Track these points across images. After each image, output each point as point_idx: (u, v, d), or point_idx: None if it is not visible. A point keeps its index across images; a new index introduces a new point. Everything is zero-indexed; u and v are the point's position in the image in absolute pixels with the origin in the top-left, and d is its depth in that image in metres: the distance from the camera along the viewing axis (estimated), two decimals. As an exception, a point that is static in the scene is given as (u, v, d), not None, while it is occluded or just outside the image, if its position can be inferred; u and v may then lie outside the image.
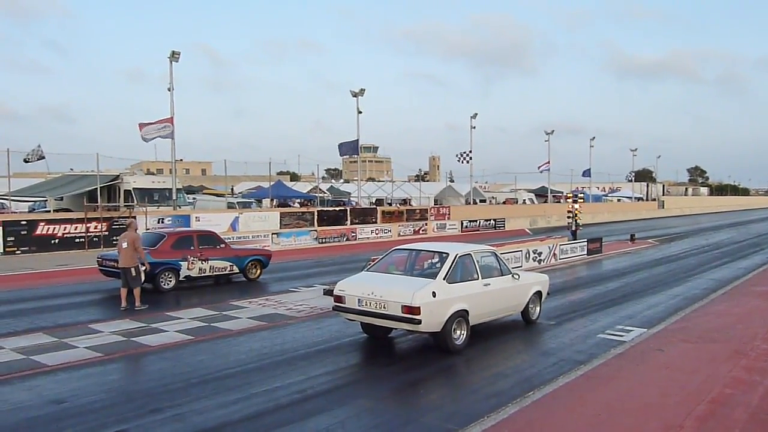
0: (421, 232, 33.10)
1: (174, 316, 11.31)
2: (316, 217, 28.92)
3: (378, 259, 9.90)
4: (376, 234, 30.62)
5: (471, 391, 7.16)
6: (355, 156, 35.31)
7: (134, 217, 20.50)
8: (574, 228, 24.13)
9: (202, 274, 14.62)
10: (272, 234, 25.67)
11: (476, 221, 37.20)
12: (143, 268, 12.18)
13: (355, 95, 32.68)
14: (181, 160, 65.13)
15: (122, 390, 7.12)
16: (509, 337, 9.83)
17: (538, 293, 10.53)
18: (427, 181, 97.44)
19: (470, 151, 41.72)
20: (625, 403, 6.52)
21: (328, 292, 13.46)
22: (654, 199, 72.85)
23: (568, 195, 28.20)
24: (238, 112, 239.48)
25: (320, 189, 41.53)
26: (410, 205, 41.78)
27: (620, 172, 78.12)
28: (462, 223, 35.83)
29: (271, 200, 35.19)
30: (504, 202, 54.57)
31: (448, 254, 8.68)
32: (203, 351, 8.86)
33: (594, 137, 56.12)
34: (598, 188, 72.26)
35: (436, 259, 8.90)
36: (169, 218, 23.84)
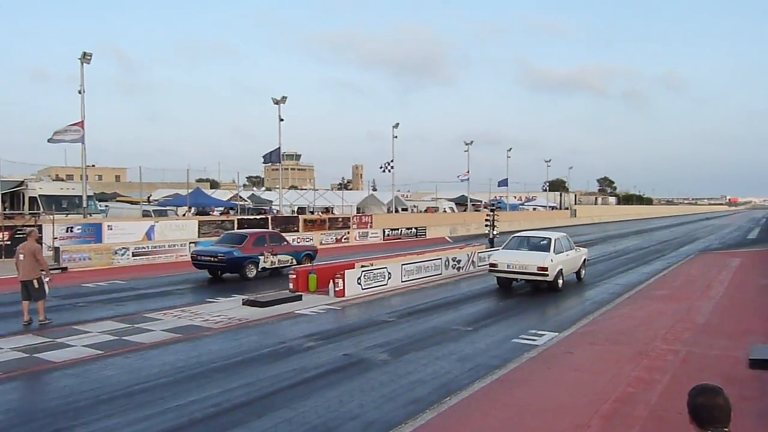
0: (343, 240, 33.08)
1: (82, 329, 10.78)
2: (236, 225, 28.33)
3: (513, 237, 16.92)
4: (298, 242, 30.33)
5: (390, 399, 7.19)
6: (278, 164, 34.88)
7: (37, 227, 19.35)
8: (491, 236, 24.76)
9: (273, 266, 18.03)
10: (190, 243, 24.91)
11: (398, 229, 37.56)
12: (46, 279, 11.52)
13: (276, 102, 32.33)
14: (93, 165, 62.22)
15: (22, 410, 6.69)
16: (428, 345, 9.95)
17: (584, 260, 17.97)
18: (350, 189, 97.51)
19: (392, 161, 42.14)
20: (537, 404, 6.74)
21: (249, 302, 13.27)
22: (567, 208, 75.94)
23: (485, 204, 28.96)
24: (153, 116, 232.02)
25: (241, 197, 40.74)
26: (333, 213, 41.67)
27: (536, 182, 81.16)
28: (384, 232, 36.08)
29: (189, 208, 34.20)
30: (425, 211, 55.36)
31: (551, 239, 15.75)
32: (113, 366, 8.47)
33: (511, 148, 57.96)
34: (515, 197, 74.61)
35: (545, 242, 15.67)
36: (79, 226, 22.69)
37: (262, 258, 17.88)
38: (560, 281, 15.64)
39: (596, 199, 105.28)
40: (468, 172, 48.65)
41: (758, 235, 45.28)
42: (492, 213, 25.25)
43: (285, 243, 19.13)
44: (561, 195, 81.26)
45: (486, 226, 25.38)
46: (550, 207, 73.17)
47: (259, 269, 17.87)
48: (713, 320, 11.85)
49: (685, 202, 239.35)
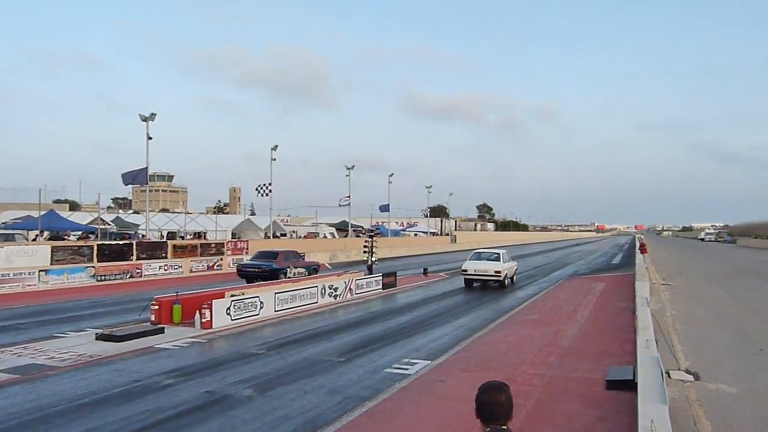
0: (215, 267, 32.02)
1: None
2: (95, 251, 26.55)
3: (474, 253, 24.40)
4: (166, 270, 28.97)
5: (252, 438, 6.91)
6: (146, 185, 33.26)
7: None
8: (370, 263, 24.96)
9: (295, 276, 22.76)
10: (39, 271, 23.02)
11: (275, 256, 36.89)
12: None
13: (144, 119, 30.92)
14: (-72, 184, 56.24)
15: None
16: (297, 378, 9.75)
17: (515, 269, 25.39)
18: (227, 213, 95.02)
19: (270, 183, 41.60)
20: (404, 437, 6.76)
21: (103, 337, 12.42)
22: (447, 234, 78.52)
23: (363, 230, 29.32)
24: (2, 129, 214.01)
25: (103, 220, 38.41)
26: (205, 238, 40.29)
27: (417, 208, 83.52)
28: (260, 258, 35.30)
29: (41, 232, 31.71)
30: (305, 237, 55.02)
31: (500, 253, 23.07)
32: (-70, 415, 7.53)
33: (392, 173, 59.10)
34: (396, 223, 76.17)
35: (496, 255, 22.78)
36: None
37: (289, 269, 23.67)
38: (506, 281, 23.66)
39: (476, 225, 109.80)
40: (349, 196, 49.04)
41: (621, 260, 49.12)
42: (371, 239, 25.51)
43: (302, 258, 25.89)
44: (442, 221, 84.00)
45: (365, 252, 25.57)
46: (431, 233, 75.30)
47: (287, 277, 22.84)
48: (577, 343, 12.60)
49: (558, 228, 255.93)
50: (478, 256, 24.67)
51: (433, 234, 77.09)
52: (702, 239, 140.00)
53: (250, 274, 23.85)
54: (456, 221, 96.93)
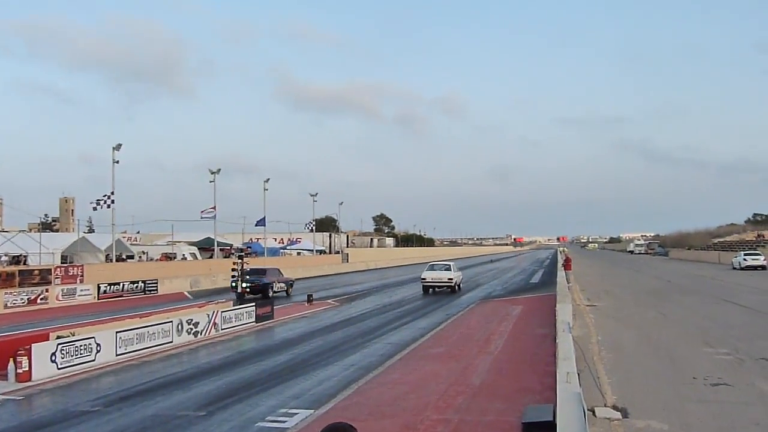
0: (39, 301, 30.32)
1: None
2: None
3: (429, 265, 38.08)
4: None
5: None
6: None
7: None
8: (240, 289, 24.55)
9: (278, 290, 32.26)
10: None
11: (119, 284, 35.47)
12: None
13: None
14: None
15: None
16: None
17: (461, 277, 37.78)
18: (56, 230, 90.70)
19: (112, 193, 40.03)
20: None
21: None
22: (338, 252, 78.80)
23: (232, 249, 28.81)
24: None
25: None
26: (26, 264, 38.20)
27: (300, 221, 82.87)
28: (99, 288, 33.81)
29: None
30: (158, 259, 53.33)
31: (450, 264, 36.68)
32: None
33: (269, 178, 58.66)
34: (275, 239, 75.57)
35: (448, 266, 35.94)
36: None
37: (274, 284, 33.18)
38: (457, 287, 35.20)
39: (372, 240, 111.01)
40: (214, 207, 48.05)
41: (541, 278, 51.14)
42: (241, 260, 25.10)
43: (281, 275, 35.85)
44: (331, 236, 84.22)
45: (233, 277, 25.11)
46: (317, 251, 75.30)
47: (273, 292, 32.87)
48: (490, 380, 12.90)
49: (470, 242, 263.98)
50: (432, 268, 36.97)
51: (321, 252, 77.17)
52: (631, 252, 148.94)
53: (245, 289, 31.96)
54: (348, 236, 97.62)
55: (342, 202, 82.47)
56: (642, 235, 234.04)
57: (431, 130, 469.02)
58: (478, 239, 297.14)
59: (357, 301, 32.65)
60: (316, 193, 70.99)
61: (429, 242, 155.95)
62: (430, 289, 35.38)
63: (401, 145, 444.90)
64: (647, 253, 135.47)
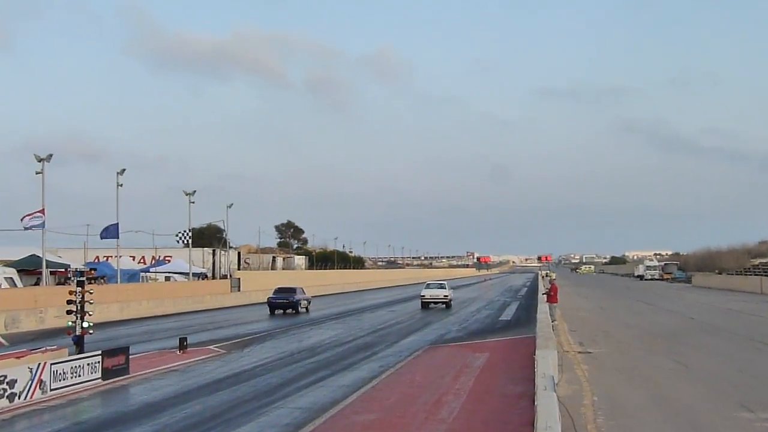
0: None
1: None
2: None
3: (426, 284, 66.46)
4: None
5: None
6: None
7: None
8: (79, 331, 24.01)
9: (304, 307, 56.50)
10: None
11: None
12: None
13: None
14: None
15: None
16: None
17: (452, 296, 63.69)
18: None
19: None
20: None
21: None
22: (225, 276, 77.98)
23: (69, 272, 28.13)
24: None
25: None
26: None
27: (171, 230, 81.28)
28: None
29: None
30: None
31: (445, 283, 66.61)
32: None
33: (124, 170, 56.13)
34: (133, 258, 74.35)
35: (443, 284, 64.71)
36: None
37: (302, 301, 55.89)
38: (450, 303, 58.72)
39: (275, 259, 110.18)
40: (43, 211, 46.98)
41: (515, 313, 51.64)
42: (82, 288, 24.49)
43: (305, 293, 57.49)
44: (215, 254, 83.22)
45: (69, 312, 24.49)
46: (195, 275, 74.17)
47: (301, 308, 55.11)
48: (440, 460, 12.84)
49: (417, 263, 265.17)
50: (429, 286, 60.86)
51: (201, 277, 76.21)
52: (641, 276, 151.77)
53: (278, 305, 54.80)
54: (240, 254, 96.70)
55: (231, 205, 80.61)
56: (655, 254, 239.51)
57: (358, 103, 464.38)
58: (427, 258, 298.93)
59: (252, 347, 32.34)
60: (194, 192, 69.00)
61: (357, 263, 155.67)
62: (429, 305, 58.68)
63: (315, 124, 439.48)
64: (662, 279, 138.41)
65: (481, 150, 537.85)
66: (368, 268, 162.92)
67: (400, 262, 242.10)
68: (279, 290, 57.06)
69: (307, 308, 56.67)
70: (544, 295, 43.39)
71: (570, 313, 46.99)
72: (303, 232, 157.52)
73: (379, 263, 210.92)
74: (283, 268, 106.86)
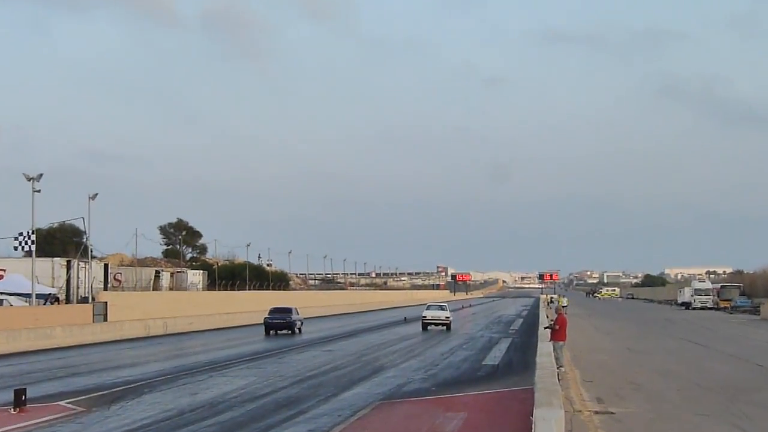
0: None
1: None
2: None
3: (427, 305, 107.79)
4: None
5: None
6: None
7: None
8: None
9: (298, 326, 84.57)
10: None
11: None
12: None
13: None
14: None
15: None
16: None
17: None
18: None
19: None
20: None
21: None
22: (87, 299, 77.42)
23: None
24: None
25: None
26: None
27: (7, 232, 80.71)
28: None
29: None
30: None
31: (446, 304, 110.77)
32: None
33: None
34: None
35: (444, 306, 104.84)
36: None
37: (297, 322, 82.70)
38: (450, 325, 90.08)
39: (158, 274, 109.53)
40: None
41: (505, 355, 51.64)
42: None
43: (298, 313, 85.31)
44: (70, 267, 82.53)
45: None
46: (41, 296, 73.37)
47: (298, 329, 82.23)
48: None
49: (367, 282, 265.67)
50: (429, 307, 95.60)
51: (50, 299, 75.44)
52: (686, 304, 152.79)
53: (274, 326, 78.66)
54: (108, 266, 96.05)
55: (95, 195, 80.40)
56: (708, 273, 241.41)
57: (279, 49, 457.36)
58: (380, 275, 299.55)
59: (124, 402, 32.02)
60: (39, 176, 69.10)
61: (279, 279, 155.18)
62: (428, 327, 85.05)
63: (217, 79, 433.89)
64: (718, 308, 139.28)
65: (456, 119, 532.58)
66: (295, 289, 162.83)
67: (341, 280, 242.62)
68: (274, 310, 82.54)
69: (300, 329, 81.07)
70: (547, 330, 43.42)
71: (585, 355, 47.13)
72: (200, 236, 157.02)
73: (312, 281, 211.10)
74: (171, 288, 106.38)
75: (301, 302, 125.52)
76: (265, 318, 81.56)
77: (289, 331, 79.88)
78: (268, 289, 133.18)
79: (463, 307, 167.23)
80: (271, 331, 79.46)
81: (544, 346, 38.01)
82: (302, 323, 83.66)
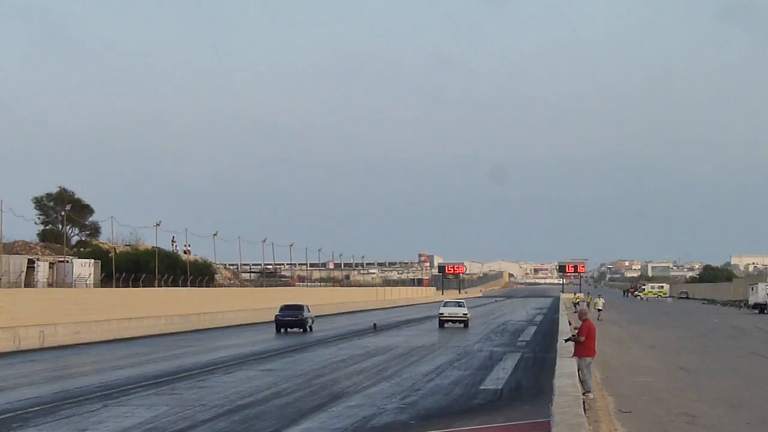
0: None
1: None
2: None
3: (444, 302, 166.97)
4: None
5: None
6: None
7: None
8: None
9: (310, 323, 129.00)
10: None
11: None
12: None
13: None
14: None
15: None
16: None
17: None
18: None
19: None
20: None
21: None
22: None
23: None
24: None
25: None
26: None
27: None
28: None
29: None
30: None
31: (463, 301, 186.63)
32: None
33: None
34: None
35: (461, 303, 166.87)
36: None
37: (309, 320, 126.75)
38: (468, 322, 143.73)
39: (33, 263, 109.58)
40: None
41: (512, 375, 51.85)
42: None
43: (309, 310, 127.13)
44: None
45: None
46: None
47: (308, 326, 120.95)
48: None
49: (318, 277, 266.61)
50: (447, 304, 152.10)
51: None
52: (761, 306, 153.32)
53: (286, 324, 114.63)
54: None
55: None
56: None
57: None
58: (340, 266, 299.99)
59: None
60: None
61: (201, 272, 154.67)
62: (445, 324, 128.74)
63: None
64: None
65: (438, 49, 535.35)
66: (222, 285, 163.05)
67: (287, 273, 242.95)
68: (285, 308, 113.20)
69: (311, 327, 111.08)
70: (569, 342, 43.50)
71: (621, 376, 47.37)
72: (92, 211, 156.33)
73: (245, 276, 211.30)
74: (51, 284, 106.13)
75: (227, 303, 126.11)
76: (275, 316, 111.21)
77: (301, 330, 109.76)
78: (186, 285, 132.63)
79: (466, 316, 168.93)
80: (282, 329, 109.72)
81: (565, 364, 38.09)
82: (313, 321, 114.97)
